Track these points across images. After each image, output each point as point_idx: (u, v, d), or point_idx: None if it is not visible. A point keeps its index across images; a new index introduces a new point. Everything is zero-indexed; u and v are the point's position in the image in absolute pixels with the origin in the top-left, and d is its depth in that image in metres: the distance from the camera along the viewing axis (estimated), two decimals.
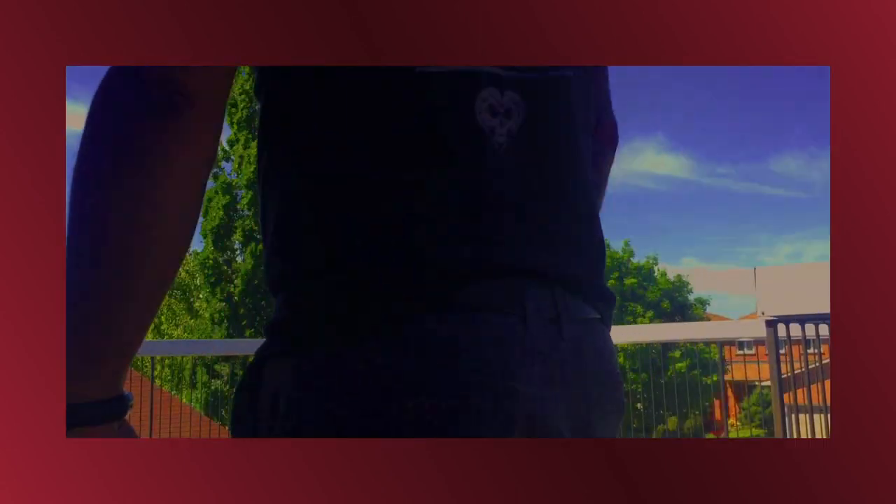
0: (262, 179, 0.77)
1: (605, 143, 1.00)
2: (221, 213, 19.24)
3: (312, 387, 0.66)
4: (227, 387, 19.01)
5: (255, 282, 18.57)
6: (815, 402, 2.81)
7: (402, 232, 0.67)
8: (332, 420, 0.64)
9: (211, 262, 19.39)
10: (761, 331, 2.89)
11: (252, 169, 19.21)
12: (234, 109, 20.21)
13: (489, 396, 0.64)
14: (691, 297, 27.47)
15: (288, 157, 0.74)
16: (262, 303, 18.68)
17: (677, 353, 22.22)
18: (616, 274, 25.82)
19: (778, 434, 2.81)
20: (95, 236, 0.65)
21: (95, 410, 0.67)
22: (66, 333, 0.65)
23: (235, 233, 19.27)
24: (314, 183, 0.71)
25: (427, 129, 0.69)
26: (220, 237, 19.47)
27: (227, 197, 19.39)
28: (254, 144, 19.32)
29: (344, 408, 0.64)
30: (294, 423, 0.66)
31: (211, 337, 18.63)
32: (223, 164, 20.26)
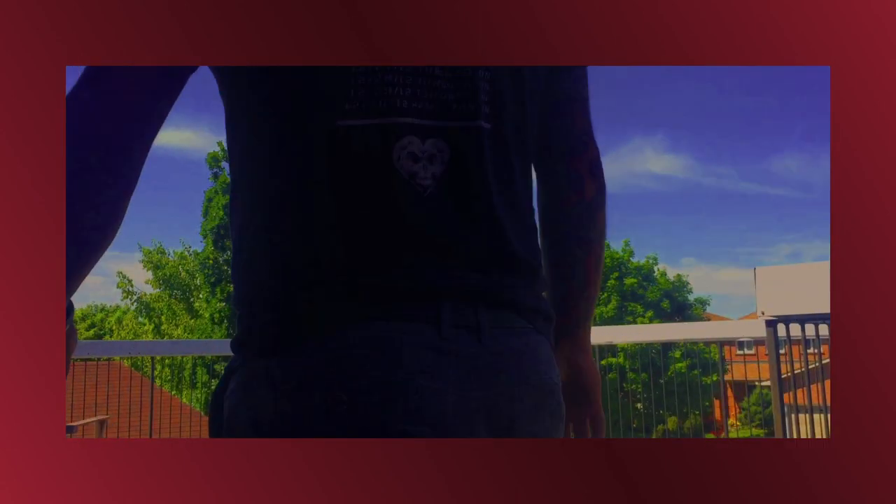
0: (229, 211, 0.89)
1: (582, 173, 1.03)
2: (222, 213, 19.21)
3: (250, 394, 0.76)
4: None
5: None
6: (815, 402, 2.82)
7: (336, 261, 0.77)
8: (276, 420, 0.74)
9: (211, 262, 19.37)
10: (761, 331, 2.88)
11: None
12: None
13: (395, 391, 0.72)
14: (691, 297, 27.43)
15: (240, 189, 0.84)
16: None
17: (677, 353, 22.20)
18: (616, 274, 25.77)
19: (778, 434, 2.81)
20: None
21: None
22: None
23: None
24: (259, 215, 0.81)
25: (347, 176, 0.78)
26: (221, 237, 19.44)
27: (228, 197, 19.39)
28: None
29: (287, 407, 0.74)
30: (237, 424, 0.76)
31: (211, 337, 18.60)
32: (223, 164, 20.21)
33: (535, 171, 1.01)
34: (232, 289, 0.84)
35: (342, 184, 0.78)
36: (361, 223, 0.77)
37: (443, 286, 0.78)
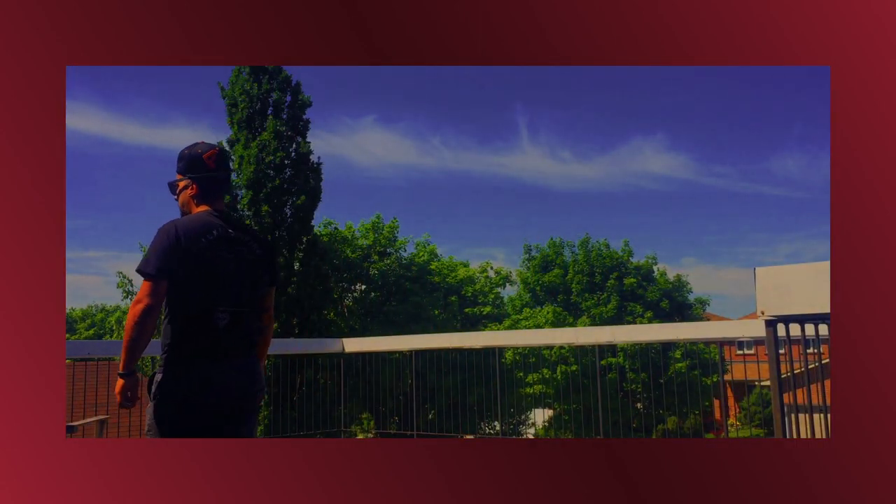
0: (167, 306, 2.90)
1: (265, 318, 3.12)
2: None
3: (161, 386, 2.83)
4: None
5: None
6: (814, 402, 2.82)
7: (189, 343, 2.82)
8: (166, 401, 2.77)
9: None
10: (761, 331, 2.89)
11: (252, 169, 19.20)
12: (234, 109, 20.14)
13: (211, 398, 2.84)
14: (691, 297, 27.38)
15: (170, 301, 2.84)
16: None
17: (677, 353, 22.19)
18: (615, 274, 25.71)
19: (778, 434, 2.81)
20: (132, 337, 2.74)
21: (135, 371, 2.80)
22: (127, 356, 2.79)
23: None
24: (172, 312, 2.84)
25: (194, 321, 2.83)
26: None
27: (227, 197, 19.35)
28: (254, 144, 19.28)
29: (168, 392, 2.76)
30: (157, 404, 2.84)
31: None
32: None
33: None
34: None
35: (197, 326, 2.84)
36: (200, 338, 2.83)
37: (225, 356, 2.89)
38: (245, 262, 2.89)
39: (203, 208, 2.92)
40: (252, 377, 2.90)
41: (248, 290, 2.91)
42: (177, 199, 3.03)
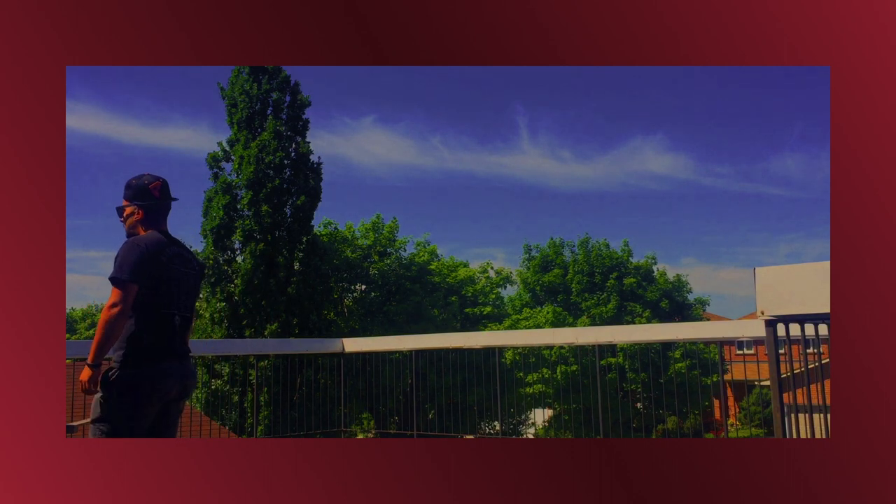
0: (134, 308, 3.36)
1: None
2: (221, 213, 19.20)
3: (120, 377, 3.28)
4: (228, 386, 18.95)
5: (256, 282, 18.55)
6: (814, 402, 2.82)
7: (150, 339, 3.30)
8: (126, 387, 3.18)
9: (211, 261, 19.38)
10: (761, 331, 2.89)
11: (252, 169, 19.21)
12: (234, 110, 20.15)
13: (164, 382, 3.34)
14: (691, 297, 27.36)
15: (138, 304, 3.25)
16: (262, 303, 18.66)
17: (677, 353, 22.17)
18: (615, 274, 25.70)
19: (778, 434, 2.81)
20: (106, 335, 3.14)
21: (100, 367, 3.20)
22: (96, 355, 3.17)
23: (235, 233, 19.25)
24: (139, 314, 3.25)
25: (157, 321, 3.32)
26: (221, 237, 19.44)
27: (227, 197, 19.33)
28: (254, 144, 19.30)
29: (133, 381, 3.20)
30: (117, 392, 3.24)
31: (211, 336, 18.61)
32: (223, 164, 20.21)
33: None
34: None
35: (158, 325, 3.33)
36: (162, 336, 3.32)
37: (176, 355, 3.42)
38: (191, 275, 3.50)
39: (151, 231, 3.38)
40: (192, 370, 3.55)
41: (192, 298, 3.55)
42: (123, 223, 3.46)
